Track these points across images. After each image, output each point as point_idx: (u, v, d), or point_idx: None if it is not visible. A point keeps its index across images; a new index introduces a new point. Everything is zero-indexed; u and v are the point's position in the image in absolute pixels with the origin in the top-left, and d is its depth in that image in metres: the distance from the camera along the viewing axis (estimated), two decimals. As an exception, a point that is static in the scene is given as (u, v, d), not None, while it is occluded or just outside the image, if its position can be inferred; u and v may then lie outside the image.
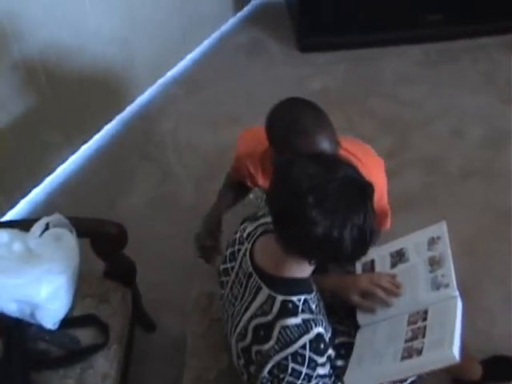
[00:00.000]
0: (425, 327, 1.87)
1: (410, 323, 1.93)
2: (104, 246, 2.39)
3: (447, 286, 1.95)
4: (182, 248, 3.21)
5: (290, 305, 1.66)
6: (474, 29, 4.42)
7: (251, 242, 1.81)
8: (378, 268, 2.16)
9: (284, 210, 1.57)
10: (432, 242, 2.10)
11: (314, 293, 1.75)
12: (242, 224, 1.94)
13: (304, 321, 1.64)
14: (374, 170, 2.18)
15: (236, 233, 1.93)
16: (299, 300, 1.67)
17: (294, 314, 1.65)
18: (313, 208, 1.48)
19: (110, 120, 3.90)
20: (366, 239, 1.55)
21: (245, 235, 1.86)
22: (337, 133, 2.03)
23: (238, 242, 1.88)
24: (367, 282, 2.03)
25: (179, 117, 3.99)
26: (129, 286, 2.49)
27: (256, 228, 1.85)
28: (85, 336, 2.22)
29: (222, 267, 1.94)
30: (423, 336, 1.84)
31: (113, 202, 3.48)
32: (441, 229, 2.12)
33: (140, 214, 3.41)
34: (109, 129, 3.89)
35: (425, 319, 1.90)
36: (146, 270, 2.68)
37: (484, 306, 2.86)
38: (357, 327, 2.05)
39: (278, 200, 1.61)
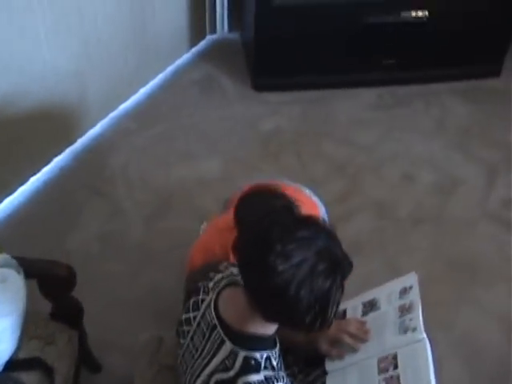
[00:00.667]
0: (398, 377, 1.87)
1: (381, 370, 1.93)
2: (52, 288, 2.36)
3: (414, 329, 1.96)
4: (130, 286, 3.21)
5: (253, 361, 1.66)
6: (427, 74, 4.52)
7: (216, 293, 1.80)
8: (349, 316, 2.18)
9: (249, 256, 1.59)
10: (404, 291, 2.12)
11: (277, 348, 1.75)
12: (206, 273, 1.94)
13: (266, 378, 1.65)
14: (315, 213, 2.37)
15: (200, 282, 1.93)
16: (262, 356, 1.67)
17: (257, 370, 1.65)
18: (277, 256, 1.49)
19: (60, 152, 3.86)
20: (326, 310, 1.54)
21: (210, 285, 1.85)
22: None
23: (202, 291, 1.87)
24: (335, 329, 2.03)
25: (131, 151, 3.98)
26: (75, 327, 2.46)
27: (222, 279, 1.85)
28: (30, 379, 2.18)
29: (184, 316, 1.92)
30: None
31: (61, 237, 3.44)
32: (412, 279, 2.15)
33: (88, 250, 3.38)
34: (58, 161, 3.85)
35: (396, 366, 1.90)
36: (92, 308, 2.65)
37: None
38: (310, 381, 2.06)
39: (245, 246, 1.62)
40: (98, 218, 3.58)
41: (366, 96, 4.45)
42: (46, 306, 2.46)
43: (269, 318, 1.64)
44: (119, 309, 3.10)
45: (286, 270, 1.49)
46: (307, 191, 2.60)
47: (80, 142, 3.98)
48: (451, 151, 4.04)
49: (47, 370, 2.22)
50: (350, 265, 1.59)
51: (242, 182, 3.42)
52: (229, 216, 2.21)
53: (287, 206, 1.72)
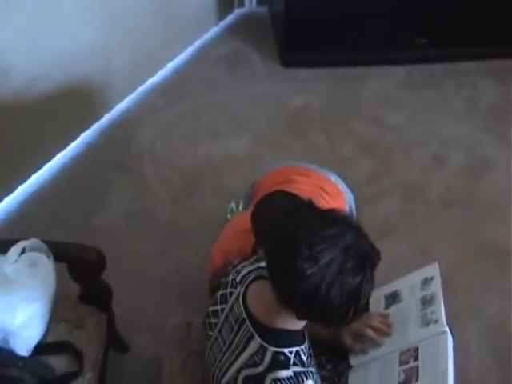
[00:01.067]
0: (417, 368, 1.88)
1: (401, 363, 1.93)
2: (81, 272, 2.36)
3: (436, 321, 1.96)
4: (157, 266, 3.21)
5: (282, 357, 1.65)
6: (459, 53, 4.45)
7: (244, 287, 1.79)
8: (372, 310, 2.17)
9: (276, 260, 1.57)
10: (425, 282, 2.11)
11: (306, 343, 1.74)
12: (235, 267, 1.92)
13: (295, 374, 1.63)
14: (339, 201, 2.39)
15: (228, 275, 1.91)
16: (291, 352, 1.66)
17: (286, 366, 1.64)
18: (305, 260, 1.48)
19: (87, 128, 3.85)
20: (357, 304, 1.54)
21: (238, 279, 1.84)
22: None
23: (230, 284, 1.86)
24: (358, 323, 2.02)
25: (158, 127, 3.96)
26: (104, 310, 2.47)
27: (250, 272, 1.83)
28: (59, 363, 2.19)
29: (211, 309, 1.92)
30: (416, 379, 1.85)
31: (87, 214, 3.44)
32: (434, 269, 2.13)
33: (115, 228, 3.38)
34: (85, 137, 3.84)
35: (416, 358, 1.91)
36: (118, 288, 2.63)
37: (458, 340, 2.87)
38: (339, 372, 2.05)
39: (271, 249, 1.61)
40: (125, 196, 3.57)
41: (397, 74, 4.40)
42: (75, 287, 2.46)
43: (299, 317, 1.64)
44: (146, 288, 3.10)
45: (315, 273, 1.48)
46: (333, 178, 2.58)
47: (107, 118, 3.96)
48: (482, 133, 3.98)
49: (76, 354, 2.23)
50: (378, 254, 1.57)
51: (270, 159, 3.43)
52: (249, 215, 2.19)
53: (309, 204, 1.70)
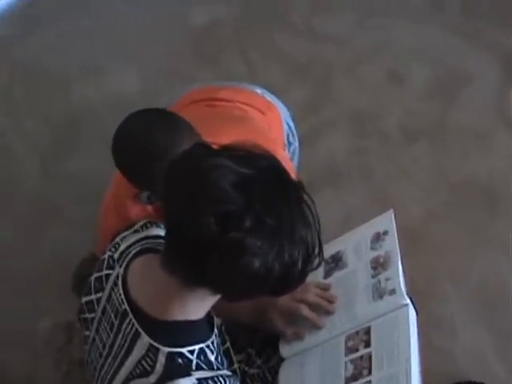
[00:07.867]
0: (369, 357, 1.85)
1: (348, 351, 1.91)
2: None
3: (393, 292, 1.94)
4: (24, 252, 3.15)
5: (180, 360, 1.57)
6: None
7: (124, 266, 1.70)
8: (308, 279, 2.12)
9: (196, 234, 1.41)
10: (377, 238, 2.09)
11: (214, 336, 1.67)
12: (113, 239, 1.84)
13: (200, 381, 1.56)
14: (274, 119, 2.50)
15: (105, 252, 1.82)
16: (192, 352, 1.59)
17: (186, 372, 1.56)
18: (250, 232, 1.38)
19: None
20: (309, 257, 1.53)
21: (116, 255, 1.77)
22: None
23: (106, 264, 1.78)
24: (287, 299, 1.98)
25: (13, 67, 3.89)
26: None
27: (132, 245, 1.76)
28: None
29: (84, 299, 1.83)
30: (369, 371, 1.82)
31: None
32: (387, 220, 2.11)
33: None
34: None
35: (368, 344, 1.88)
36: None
37: (441, 314, 2.90)
38: (272, 367, 2.02)
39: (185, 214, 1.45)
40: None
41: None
42: None
43: (231, 299, 1.59)
44: (11, 286, 3.02)
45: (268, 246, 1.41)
46: (259, 90, 2.62)
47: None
48: (452, 36, 3.96)
49: None
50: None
51: (170, 96, 3.37)
52: None
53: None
